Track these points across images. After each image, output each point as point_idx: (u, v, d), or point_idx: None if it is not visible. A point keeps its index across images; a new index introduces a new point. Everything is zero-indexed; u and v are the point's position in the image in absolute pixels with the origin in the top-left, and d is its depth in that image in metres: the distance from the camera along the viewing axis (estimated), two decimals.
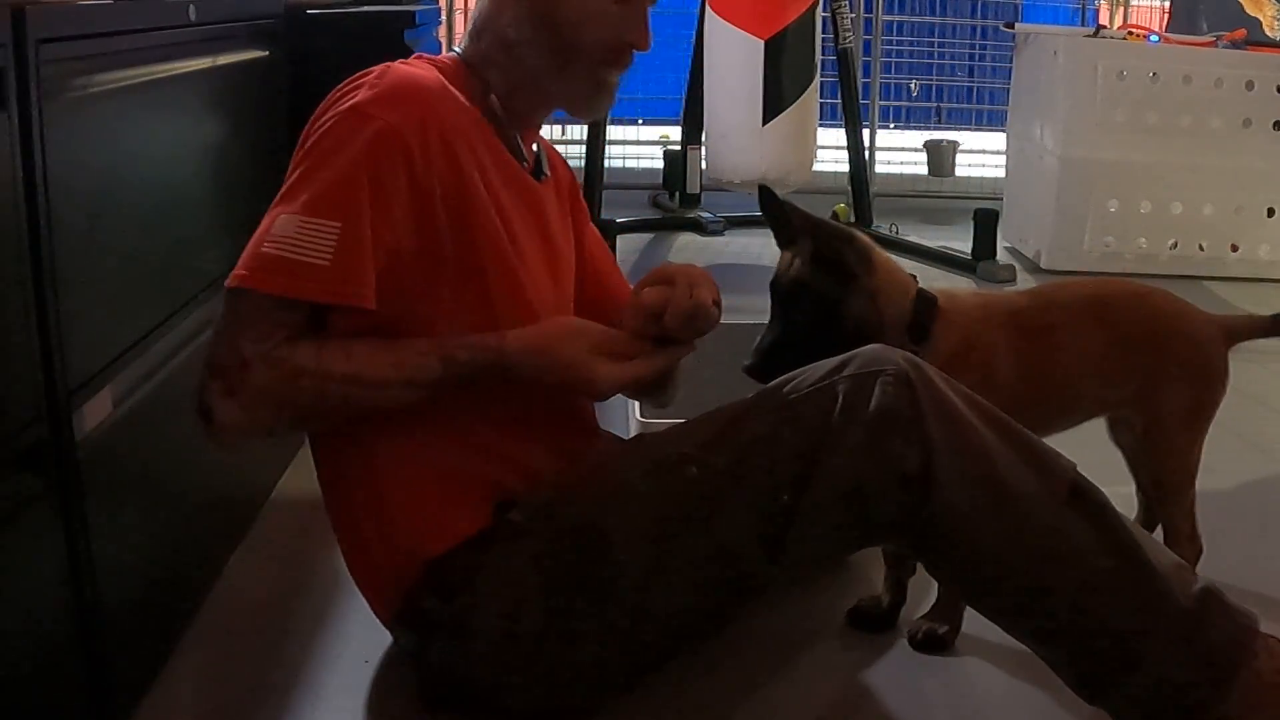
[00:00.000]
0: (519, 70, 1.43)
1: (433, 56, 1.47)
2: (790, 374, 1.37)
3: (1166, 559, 1.32)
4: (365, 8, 2.44)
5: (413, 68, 1.38)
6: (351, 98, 1.31)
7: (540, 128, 1.54)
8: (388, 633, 1.49)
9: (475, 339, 1.33)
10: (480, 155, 1.37)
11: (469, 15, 1.50)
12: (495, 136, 1.42)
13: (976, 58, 6.16)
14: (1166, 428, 1.69)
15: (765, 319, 1.58)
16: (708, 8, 3.90)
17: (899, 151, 5.29)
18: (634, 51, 1.45)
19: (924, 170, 5.16)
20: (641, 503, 1.34)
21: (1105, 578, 1.28)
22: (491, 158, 1.40)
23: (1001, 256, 3.91)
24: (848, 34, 4.24)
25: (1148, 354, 1.68)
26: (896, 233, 4.27)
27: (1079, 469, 1.33)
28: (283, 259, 1.24)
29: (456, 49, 1.48)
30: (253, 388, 1.24)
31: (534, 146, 1.52)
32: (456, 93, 1.38)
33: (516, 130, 1.47)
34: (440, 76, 1.38)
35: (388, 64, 1.37)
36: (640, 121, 5.49)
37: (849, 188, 4.39)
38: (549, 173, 1.53)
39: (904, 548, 1.36)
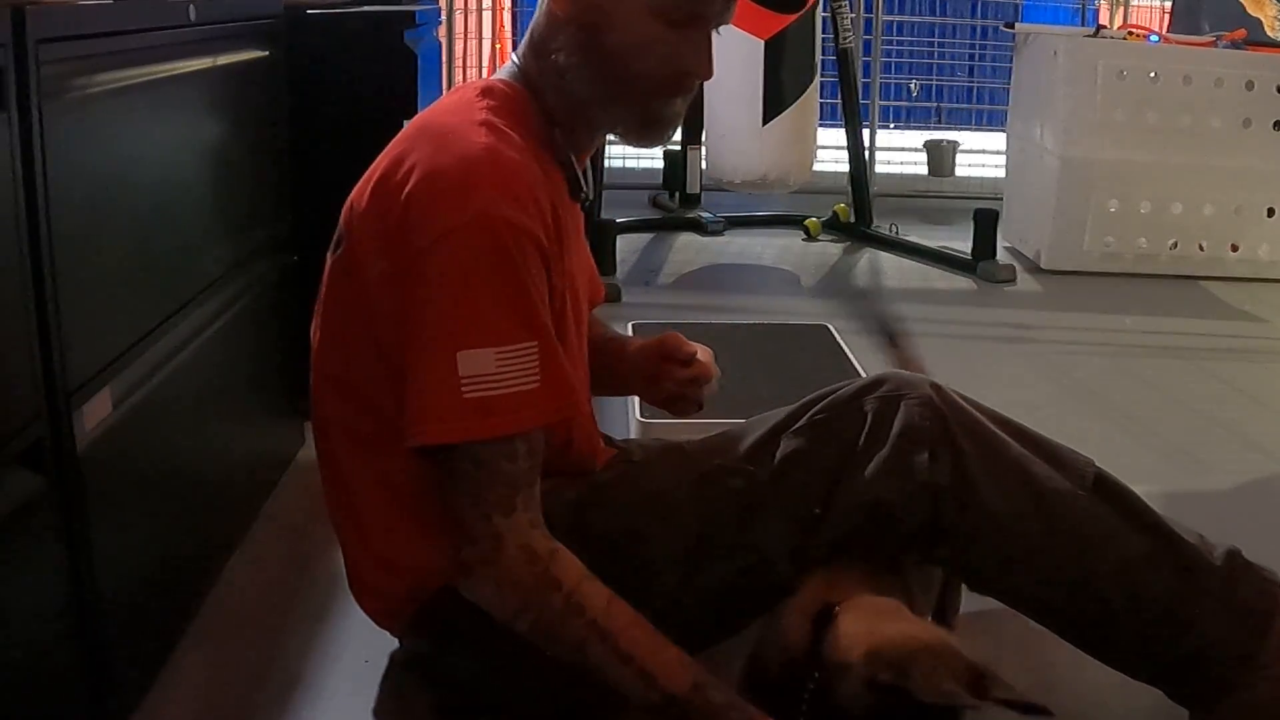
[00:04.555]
0: (571, 99, 1.32)
1: (489, 84, 1.32)
2: (824, 390, 1.42)
3: (1187, 530, 1.40)
4: (365, 8, 2.44)
5: (478, 123, 1.24)
6: (459, 197, 1.18)
7: (594, 150, 1.44)
8: (387, 633, 1.49)
9: (734, 695, 1.24)
10: (567, 226, 1.30)
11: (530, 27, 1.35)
12: (565, 187, 1.33)
13: (976, 58, 6.17)
14: None
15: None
16: None
17: (899, 151, 5.29)
18: (697, 80, 1.32)
19: (924, 170, 5.16)
20: (684, 511, 1.36)
21: (1144, 556, 1.35)
22: (570, 219, 1.33)
23: (1001, 256, 3.91)
24: (848, 34, 4.24)
25: None
26: (896, 233, 4.27)
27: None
28: (488, 399, 1.17)
29: (515, 58, 1.35)
30: (507, 569, 1.21)
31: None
32: (533, 154, 1.26)
33: (576, 160, 1.36)
34: (512, 140, 1.24)
35: (462, 123, 1.24)
36: None
37: (849, 188, 4.38)
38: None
39: (943, 561, 1.40)
